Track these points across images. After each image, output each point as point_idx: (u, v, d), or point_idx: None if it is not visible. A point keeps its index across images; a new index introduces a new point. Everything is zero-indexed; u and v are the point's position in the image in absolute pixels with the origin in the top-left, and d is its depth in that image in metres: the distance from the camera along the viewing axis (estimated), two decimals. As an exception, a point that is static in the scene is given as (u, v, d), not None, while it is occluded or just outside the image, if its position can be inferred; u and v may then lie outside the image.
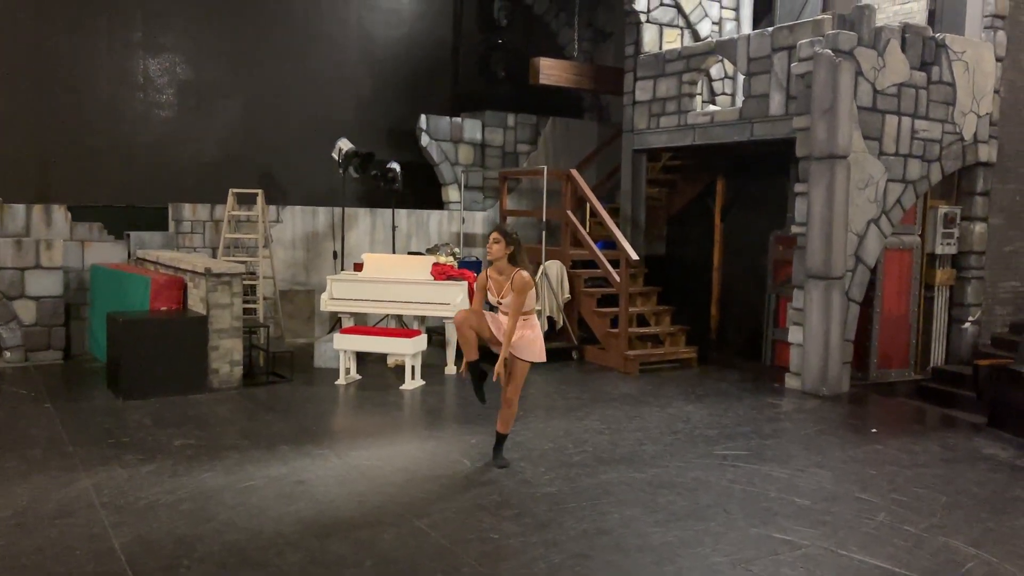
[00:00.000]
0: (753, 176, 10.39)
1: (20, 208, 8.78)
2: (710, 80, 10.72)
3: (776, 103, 8.60)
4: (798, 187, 8.30)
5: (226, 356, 7.63)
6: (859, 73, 7.97)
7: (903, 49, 8.26)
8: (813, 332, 8.08)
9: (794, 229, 8.40)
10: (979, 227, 9.20)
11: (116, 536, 4.26)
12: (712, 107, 10.17)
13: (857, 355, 8.54)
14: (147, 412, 6.73)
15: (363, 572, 4.01)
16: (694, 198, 11.28)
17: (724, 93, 10.87)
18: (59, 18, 9.46)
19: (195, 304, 7.79)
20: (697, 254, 11.06)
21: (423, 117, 11.26)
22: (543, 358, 5.51)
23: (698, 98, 10.00)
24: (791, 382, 8.35)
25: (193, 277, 7.82)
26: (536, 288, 5.81)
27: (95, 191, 9.55)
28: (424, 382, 8.09)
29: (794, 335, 8.35)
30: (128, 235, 9.37)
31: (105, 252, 9.07)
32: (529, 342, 5.39)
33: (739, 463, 5.83)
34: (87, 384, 7.83)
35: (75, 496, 4.81)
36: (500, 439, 5.68)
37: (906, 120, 8.37)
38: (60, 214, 8.95)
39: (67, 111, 9.56)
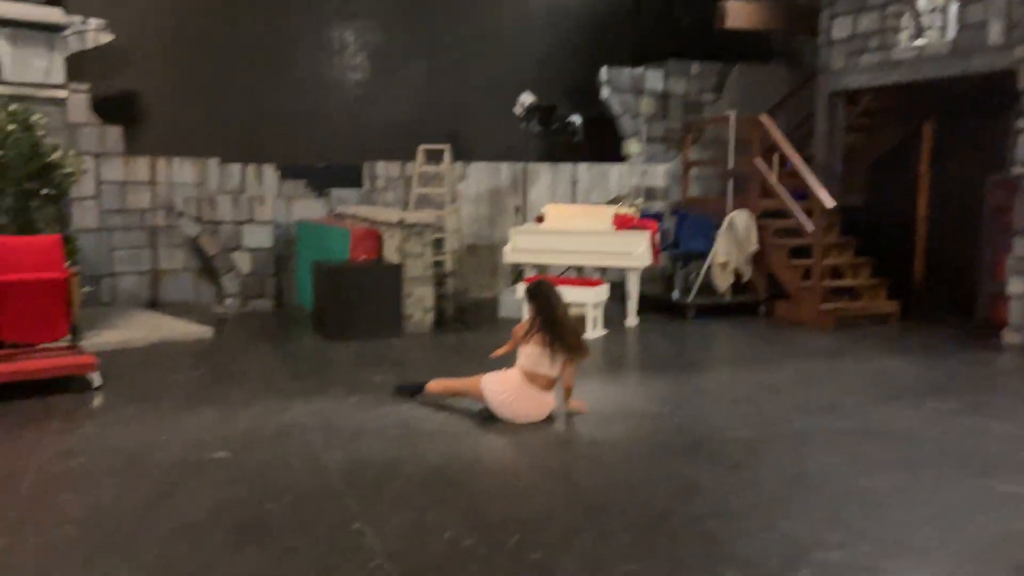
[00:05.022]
0: (965, 116, 9.46)
1: (236, 167, 9.60)
2: (917, 14, 9.81)
3: (995, 32, 7.76)
4: (1022, 124, 7.48)
5: (419, 303, 7.99)
6: (1102, -11, 7.03)
7: None
8: (1039, 283, 7.31)
9: (1017, 171, 7.59)
10: None
11: (329, 455, 4.59)
12: (920, 40, 9.33)
13: (1092, 310, 7.64)
14: (349, 353, 7.18)
15: (554, 497, 4.10)
16: (896, 143, 10.45)
17: (932, 27, 9.91)
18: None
19: (390, 254, 8.19)
20: (900, 203, 10.25)
21: (604, 69, 11.14)
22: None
23: (904, 33, 9.21)
24: (1011, 338, 7.61)
25: (388, 228, 8.22)
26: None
27: (299, 152, 10.23)
28: (607, 331, 8.09)
29: (1015, 286, 7.58)
30: (328, 191, 9.98)
31: (308, 208, 9.72)
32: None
33: (952, 416, 5.40)
34: (296, 328, 8.46)
35: (291, 421, 5.22)
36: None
37: None
38: (270, 172, 9.71)
39: (273, 79, 10.26)
